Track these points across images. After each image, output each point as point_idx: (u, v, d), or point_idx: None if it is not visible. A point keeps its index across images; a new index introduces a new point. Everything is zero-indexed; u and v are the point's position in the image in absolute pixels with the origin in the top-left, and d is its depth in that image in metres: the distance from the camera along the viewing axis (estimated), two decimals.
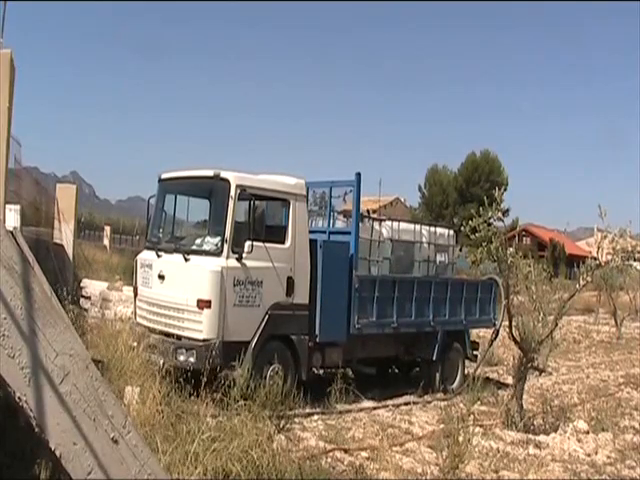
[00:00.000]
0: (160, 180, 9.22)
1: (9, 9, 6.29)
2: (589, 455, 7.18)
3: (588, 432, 7.92)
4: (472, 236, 8.18)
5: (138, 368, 6.62)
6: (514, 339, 8.32)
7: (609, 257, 8.68)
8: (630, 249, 8.84)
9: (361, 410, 8.64)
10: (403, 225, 11.43)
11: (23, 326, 2.29)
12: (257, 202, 8.22)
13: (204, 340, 7.66)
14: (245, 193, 8.03)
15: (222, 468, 4.30)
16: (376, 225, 10.72)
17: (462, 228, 9.09)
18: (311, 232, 9.17)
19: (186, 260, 8.06)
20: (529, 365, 8.46)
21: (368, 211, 10.69)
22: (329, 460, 6.08)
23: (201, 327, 7.72)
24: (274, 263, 8.27)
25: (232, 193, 7.99)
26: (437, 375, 10.53)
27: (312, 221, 10.33)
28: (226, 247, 7.86)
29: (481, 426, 7.72)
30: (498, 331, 10.79)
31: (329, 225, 10.49)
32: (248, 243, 7.88)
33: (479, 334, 13.82)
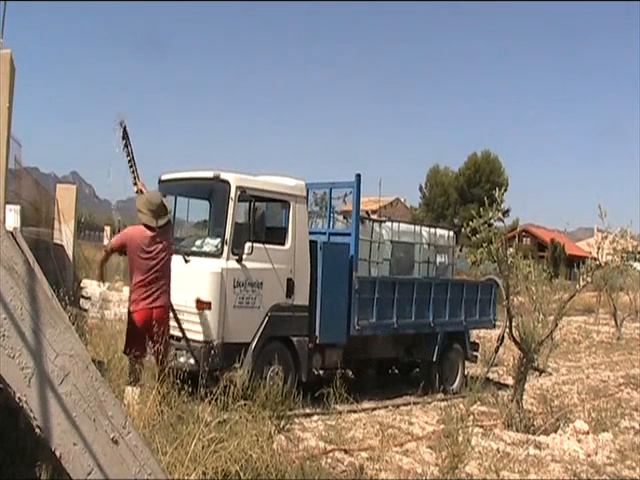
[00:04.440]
0: (160, 181, 9.22)
1: (9, 9, 6.28)
2: (589, 455, 7.18)
3: (588, 432, 7.91)
4: (473, 238, 8.18)
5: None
6: (514, 339, 8.32)
7: (609, 257, 8.68)
8: (631, 249, 8.84)
9: (361, 410, 8.64)
10: (403, 226, 11.44)
11: (23, 326, 2.29)
12: (257, 203, 8.22)
13: (204, 341, 7.67)
14: (245, 194, 8.03)
15: (222, 468, 4.31)
16: (376, 226, 10.73)
17: (462, 229, 9.10)
18: (311, 233, 9.18)
19: (186, 261, 8.06)
20: (529, 365, 8.47)
21: (368, 212, 10.72)
22: (329, 460, 6.08)
23: (201, 328, 7.72)
24: (274, 264, 8.28)
25: (232, 194, 8.00)
26: (437, 376, 10.54)
27: (312, 222, 10.34)
28: (226, 248, 7.87)
29: (481, 426, 7.73)
30: (503, 337, 10.67)
31: (329, 226, 10.50)
32: (248, 244, 7.89)
33: (479, 334, 13.83)
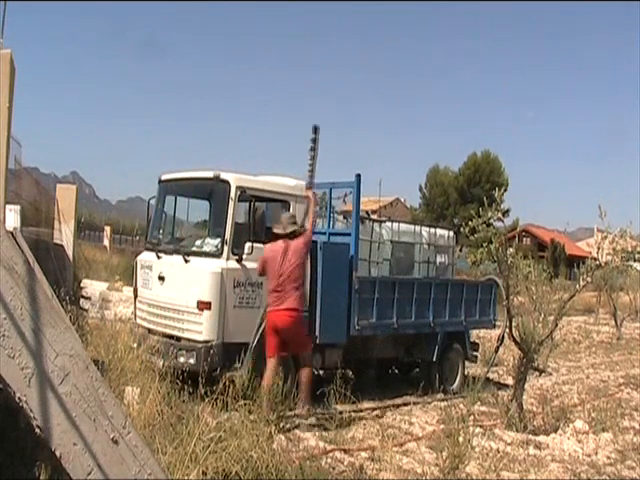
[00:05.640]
0: (160, 181, 9.22)
1: (10, 9, 6.29)
2: (589, 455, 7.18)
3: (588, 432, 7.91)
4: (472, 237, 8.18)
5: (138, 369, 6.63)
6: (514, 339, 8.32)
7: (609, 257, 8.68)
8: (630, 250, 8.84)
9: (361, 410, 8.64)
10: (403, 226, 11.43)
11: (23, 326, 2.30)
12: (257, 203, 8.22)
13: (204, 341, 7.66)
14: (245, 194, 8.03)
15: (222, 468, 4.31)
16: (376, 226, 10.72)
17: (462, 229, 9.09)
18: None
19: (186, 261, 8.06)
20: (529, 365, 8.46)
21: (368, 212, 10.72)
22: (329, 460, 6.07)
23: (201, 328, 7.72)
24: None
25: (232, 194, 7.99)
26: (437, 376, 10.53)
27: None
28: (226, 248, 7.86)
29: (481, 426, 7.72)
30: (503, 337, 10.66)
31: (329, 226, 10.49)
32: (248, 244, 7.88)
33: (479, 334, 13.82)
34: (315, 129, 8.18)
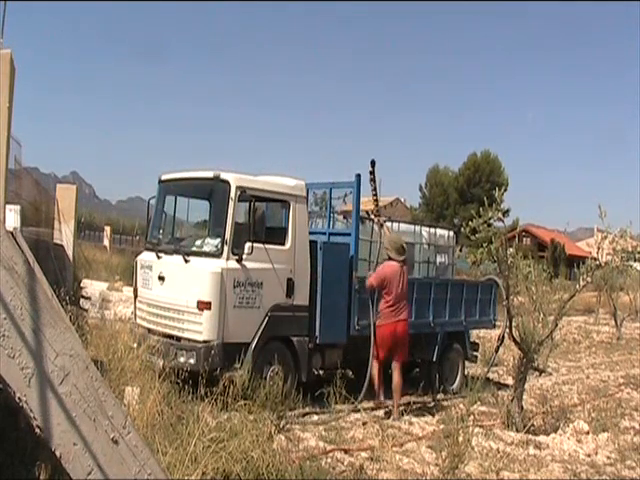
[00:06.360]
0: (160, 181, 9.22)
1: (10, 9, 6.28)
2: (589, 455, 7.19)
3: (588, 432, 7.91)
4: (472, 237, 8.18)
5: (138, 369, 6.63)
6: (514, 339, 8.32)
7: (609, 258, 8.67)
8: (630, 249, 8.83)
9: (361, 410, 8.63)
10: (403, 226, 11.41)
11: (23, 326, 2.30)
12: (257, 203, 8.22)
13: (204, 341, 7.66)
14: (245, 194, 8.03)
15: (222, 468, 4.31)
16: (376, 226, 10.71)
17: (462, 229, 9.10)
18: (311, 233, 9.16)
19: (186, 261, 8.06)
20: (529, 365, 8.46)
21: (368, 212, 10.69)
22: (329, 460, 6.07)
23: (201, 328, 7.72)
24: (274, 264, 8.27)
25: (232, 194, 7.99)
26: (437, 376, 10.53)
27: (312, 222, 10.32)
28: (226, 248, 7.86)
29: (481, 426, 7.73)
30: (503, 337, 10.65)
31: (329, 226, 10.48)
32: (248, 244, 7.88)
33: (479, 334, 13.82)
34: (372, 163, 9.27)
